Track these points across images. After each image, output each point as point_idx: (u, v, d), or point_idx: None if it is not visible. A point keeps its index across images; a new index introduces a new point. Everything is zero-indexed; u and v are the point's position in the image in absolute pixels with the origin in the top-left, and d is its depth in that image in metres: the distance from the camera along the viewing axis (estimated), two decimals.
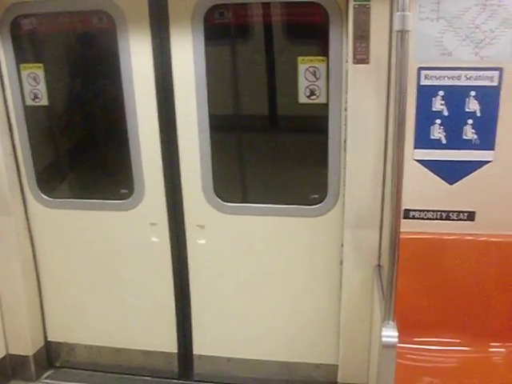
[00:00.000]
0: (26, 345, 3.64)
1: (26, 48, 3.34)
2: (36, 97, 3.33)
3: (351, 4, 2.63)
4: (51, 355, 3.84)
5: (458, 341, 2.89)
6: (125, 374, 3.73)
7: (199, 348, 3.60)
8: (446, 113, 2.71)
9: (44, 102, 3.34)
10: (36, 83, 3.30)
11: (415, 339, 2.89)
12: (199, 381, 3.65)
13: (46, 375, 3.77)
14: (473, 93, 2.67)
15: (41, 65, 3.29)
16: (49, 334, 3.79)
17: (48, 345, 3.81)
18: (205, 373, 3.63)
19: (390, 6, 2.59)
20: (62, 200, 3.50)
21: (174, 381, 3.67)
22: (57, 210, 3.50)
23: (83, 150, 3.56)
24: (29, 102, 3.34)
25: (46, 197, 3.48)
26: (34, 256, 3.62)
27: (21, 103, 3.32)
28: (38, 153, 3.44)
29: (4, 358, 3.62)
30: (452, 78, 2.66)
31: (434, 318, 2.91)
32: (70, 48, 3.48)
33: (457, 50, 2.62)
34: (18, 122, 3.34)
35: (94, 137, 3.58)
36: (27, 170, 3.44)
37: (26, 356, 3.65)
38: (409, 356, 2.85)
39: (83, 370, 3.80)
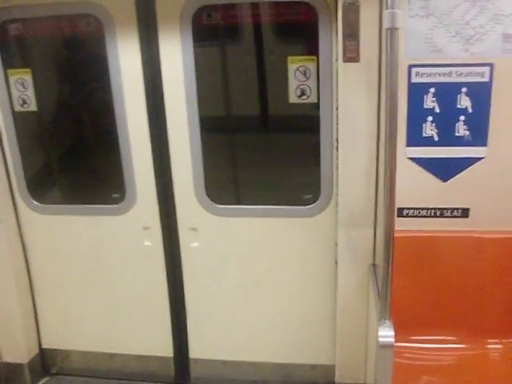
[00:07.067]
0: (20, 352, 3.61)
1: (13, 53, 3.31)
2: (24, 102, 3.30)
3: (340, 2, 2.61)
4: (46, 362, 3.81)
5: (455, 338, 2.88)
6: (121, 379, 3.71)
7: (195, 351, 3.59)
8: (437, 110, 2.70)
9: (32, 107, 3.31)
10: (24, 89, 3.27)
11: (412, 338, 2.89)
12: None
13: (41, 383, 3.74)
14: (464, 89, 2.65)
15: (28, 70, 3.26)
16: (43, 341, 3.76)
17: (43, 352, 3.78)
18: (201, 376, 3.62)
19: (380, 4, 2.56)
20: (53, 206, 3.48)
21: None
22: (48, 216, 3.48)
23: (74, 155, 3.52)
24: (17, 108, 3.31)
25: (36, 203, 3.45)
26: (27, 262, 3.58)
27: (9, 109, 3.29)
28: (27, 158, 3.41)
29: None
30: (443, 74, 2.65)
31: (431, 316, 2.90)
32: (58, 52, 3.43)
33: (447, 47, 2.60)
34: (6, 127, 3.31)
35: (85, 141, 3.55)
36: (17, 176, 3.41)
37: (21, 364, 3.62)
38: (406, 355, 2.84)
39: (79, 376, 3.77)
